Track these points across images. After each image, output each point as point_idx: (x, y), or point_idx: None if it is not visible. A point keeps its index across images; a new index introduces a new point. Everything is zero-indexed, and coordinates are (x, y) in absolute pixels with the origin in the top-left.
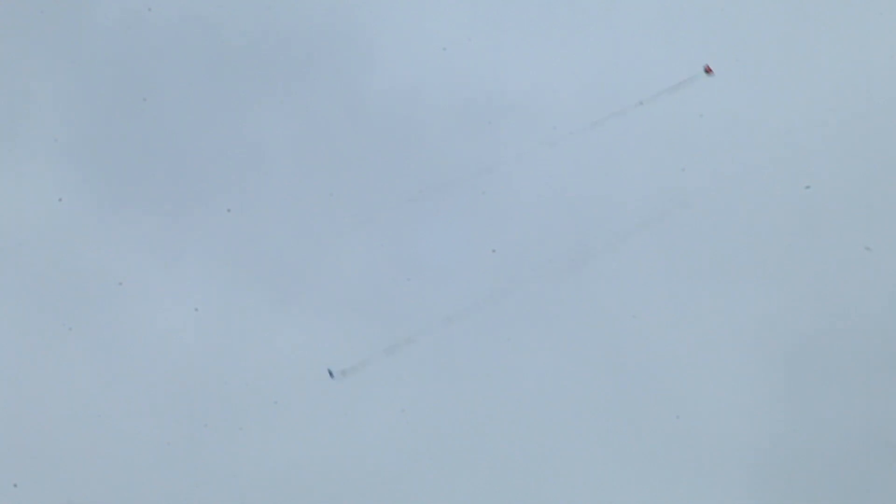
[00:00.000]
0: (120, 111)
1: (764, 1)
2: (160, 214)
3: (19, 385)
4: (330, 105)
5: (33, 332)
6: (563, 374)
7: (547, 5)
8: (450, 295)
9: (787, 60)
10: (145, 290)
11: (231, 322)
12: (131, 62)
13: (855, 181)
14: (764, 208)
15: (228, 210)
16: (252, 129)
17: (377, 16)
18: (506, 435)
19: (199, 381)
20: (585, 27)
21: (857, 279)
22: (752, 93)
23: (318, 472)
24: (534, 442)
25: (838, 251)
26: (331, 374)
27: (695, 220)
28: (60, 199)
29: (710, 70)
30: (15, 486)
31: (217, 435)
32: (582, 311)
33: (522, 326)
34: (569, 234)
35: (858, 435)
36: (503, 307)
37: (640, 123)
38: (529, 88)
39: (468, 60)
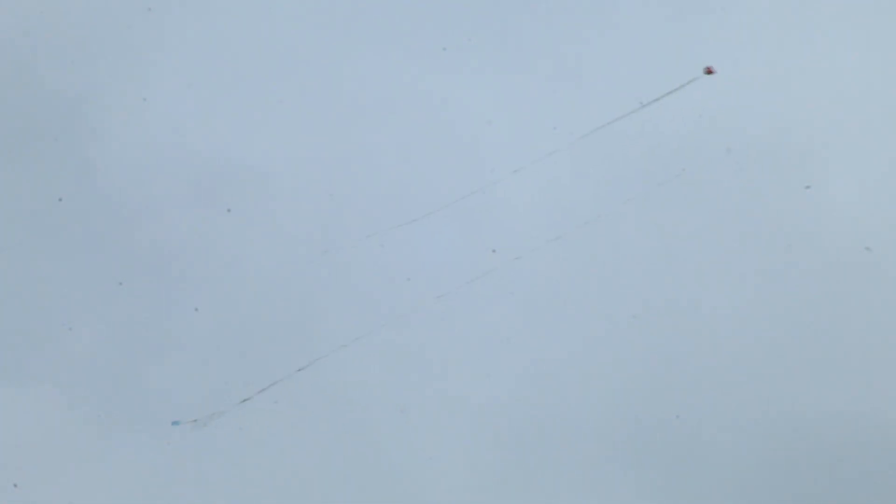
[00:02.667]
0: None
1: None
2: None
3: (19, 385)
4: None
5: (33, 331)
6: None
7: None
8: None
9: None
10: (145, 290)
11: (231, 321)
12: None
13: (855, 181)
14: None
15: (228, 210)
16: None
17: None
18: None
19: (198, 380)
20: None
21: (857, 279)
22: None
23: (319, 472)
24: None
25: (838, 251)
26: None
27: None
28: (60, 199)
29: (712, 71)
30: (15, 486)
31: (217, 434)
32: None
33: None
34: None
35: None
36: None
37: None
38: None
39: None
